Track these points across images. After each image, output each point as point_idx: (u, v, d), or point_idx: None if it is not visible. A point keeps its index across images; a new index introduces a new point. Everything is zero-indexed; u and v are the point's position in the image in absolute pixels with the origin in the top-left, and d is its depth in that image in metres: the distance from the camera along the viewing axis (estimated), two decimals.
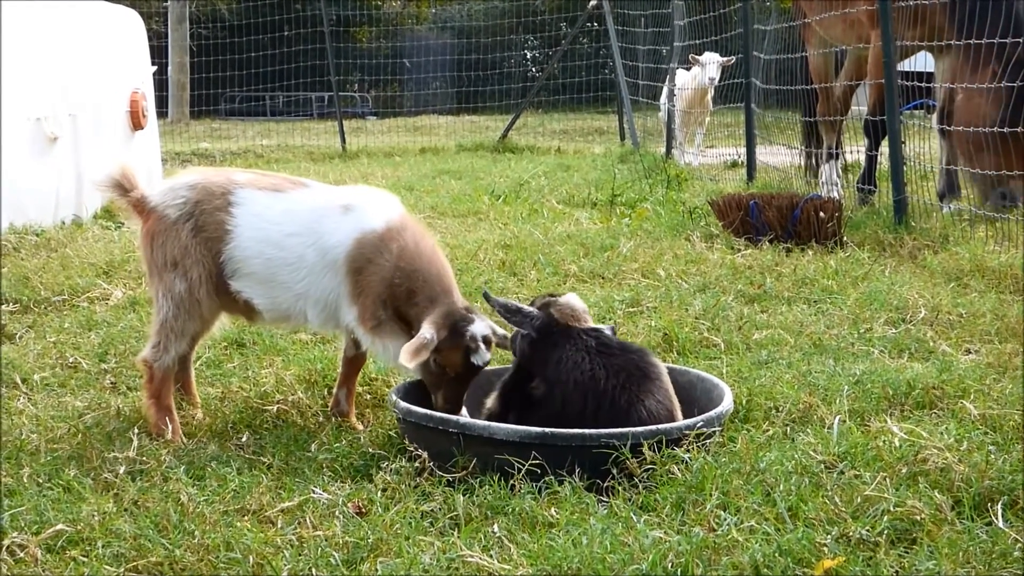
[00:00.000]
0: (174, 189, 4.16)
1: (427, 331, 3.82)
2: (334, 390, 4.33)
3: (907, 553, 2.95)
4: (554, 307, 3.93)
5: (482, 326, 3.92)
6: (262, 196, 4.10)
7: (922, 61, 9.42)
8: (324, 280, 4.03)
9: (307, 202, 4.11)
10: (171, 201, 4.12)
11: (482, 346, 3.89)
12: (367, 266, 3.98)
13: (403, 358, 3.74)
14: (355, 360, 4.28)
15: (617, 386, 3.70)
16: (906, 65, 9.40)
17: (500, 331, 4.04)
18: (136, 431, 3.95)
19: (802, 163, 10.88)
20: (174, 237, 4.08)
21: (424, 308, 3.93)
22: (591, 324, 3.95)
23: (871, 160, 9.24)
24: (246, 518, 3.25)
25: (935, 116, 8.68)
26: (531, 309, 3.95)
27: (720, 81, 13.83)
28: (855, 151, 10.18)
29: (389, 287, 3.96)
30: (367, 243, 3.98)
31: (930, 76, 9.03)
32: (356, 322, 4.01)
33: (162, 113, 22.14)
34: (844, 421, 3.89)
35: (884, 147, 8.75)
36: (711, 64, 13.77)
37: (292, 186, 4.17)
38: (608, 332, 3.92)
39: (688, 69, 14.42)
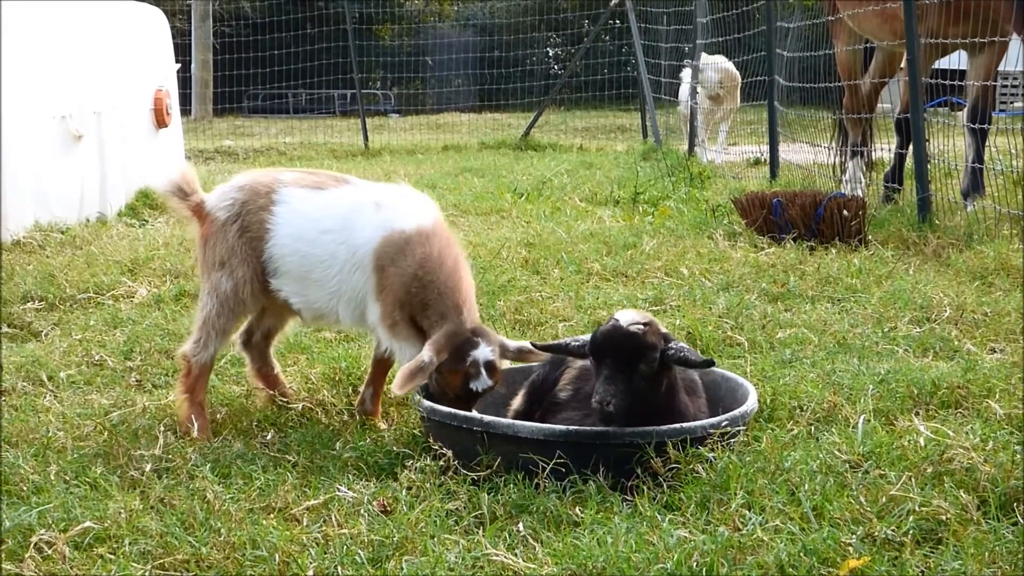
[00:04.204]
0: (224, 191, 4.20)
1: (426, 353, 3.79)
2: (361, 388, 4.34)
3: (933, 553, 2.94)
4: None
5: (487, 351, 3.85)
6: (303, 193, 4.12)
7: (946, 60, 9.34)
8: (354, 277, 4.03)
9: (344, 199, 4.11)
10: (221, 203, 4.16)
11: (483, 372, 3.83)
12: (390, 265, 3.97)
13: (394, 385, 3.72)
14: (384, 361, 4.26)
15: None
16: (942, 63, 9.31)
17: (514, 345, 3.97)
18: (162, 429, 3.97)
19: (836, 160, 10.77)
20: (223, 238, 4.12)
21: (434, 323, 3.90)
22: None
23: (900, 158, 9.18)
24: (272, 516, 3.27)
25: (965, 113, 8.61)
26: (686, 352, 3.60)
27: (743, 78, 13.81)
28: (881, 148, 10.10)
29: (407, 292, 3.94)
30: (393, 242, 3.97)
31: (955, 74, 8.95)
32: (377, 320, 4.01)
33: (186, 111, 22.17)
34: (869, 420, 3.88)
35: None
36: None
37: (334, 183, 4.17)
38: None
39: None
